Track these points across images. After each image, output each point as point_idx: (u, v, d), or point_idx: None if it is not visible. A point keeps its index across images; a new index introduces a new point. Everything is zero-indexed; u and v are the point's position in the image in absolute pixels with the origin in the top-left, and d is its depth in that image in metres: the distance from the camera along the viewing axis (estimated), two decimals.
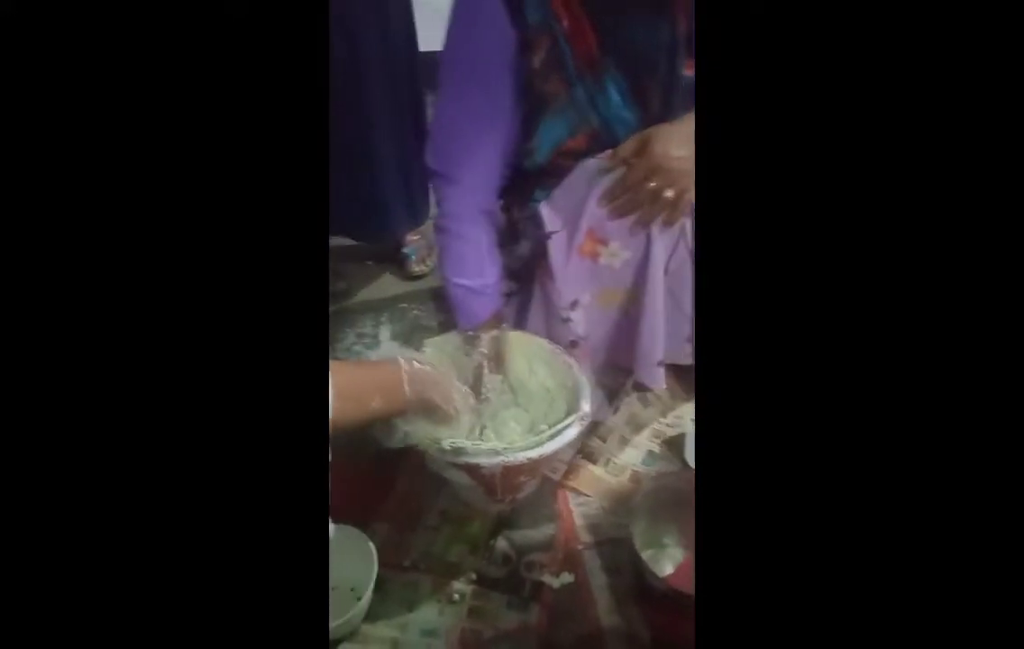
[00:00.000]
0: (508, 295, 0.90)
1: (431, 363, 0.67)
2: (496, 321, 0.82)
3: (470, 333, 0.80)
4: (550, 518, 0.78)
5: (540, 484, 0.78)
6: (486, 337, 0.79)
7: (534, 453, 0.64)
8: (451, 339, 0.81)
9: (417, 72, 1.23)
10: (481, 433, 0.74)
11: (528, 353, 0.81)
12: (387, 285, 1.38)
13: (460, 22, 0.79)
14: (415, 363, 0.63)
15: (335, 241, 1.36)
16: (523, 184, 0.87)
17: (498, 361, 0.80)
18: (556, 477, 0.83)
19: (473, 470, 0.65)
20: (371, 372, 0.63)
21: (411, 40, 1.21)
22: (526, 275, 0.90)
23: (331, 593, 0.68)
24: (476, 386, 0.76)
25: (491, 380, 0.77)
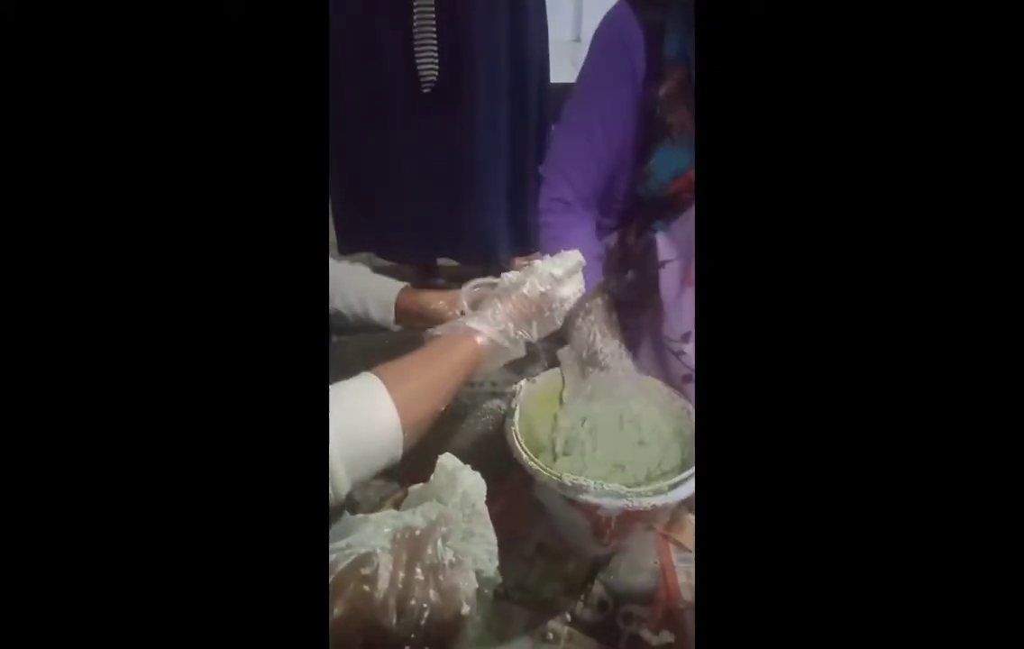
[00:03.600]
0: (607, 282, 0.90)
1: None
2: (598, 291, 0.82)
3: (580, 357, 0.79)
4: (652, 570, 0.74)
5: (644, 532, 0.74)
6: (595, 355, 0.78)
7: (659, 500, 0.61)
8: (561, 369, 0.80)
9: (545, 102, 1.24)
10: (583, 458, 0.72)
11: (641, 392, 0.78)
12: None
13: (598, 50, 0.83)
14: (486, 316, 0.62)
15: (444, 262, 1.39)
16: (640, 212, 0.86)
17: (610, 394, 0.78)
18: (657, 527, 0.78)
19: (589, 510, 0.63)
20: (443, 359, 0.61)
21: (544, 71, 1.22)
22: (637, 306, 0.88)
23: None
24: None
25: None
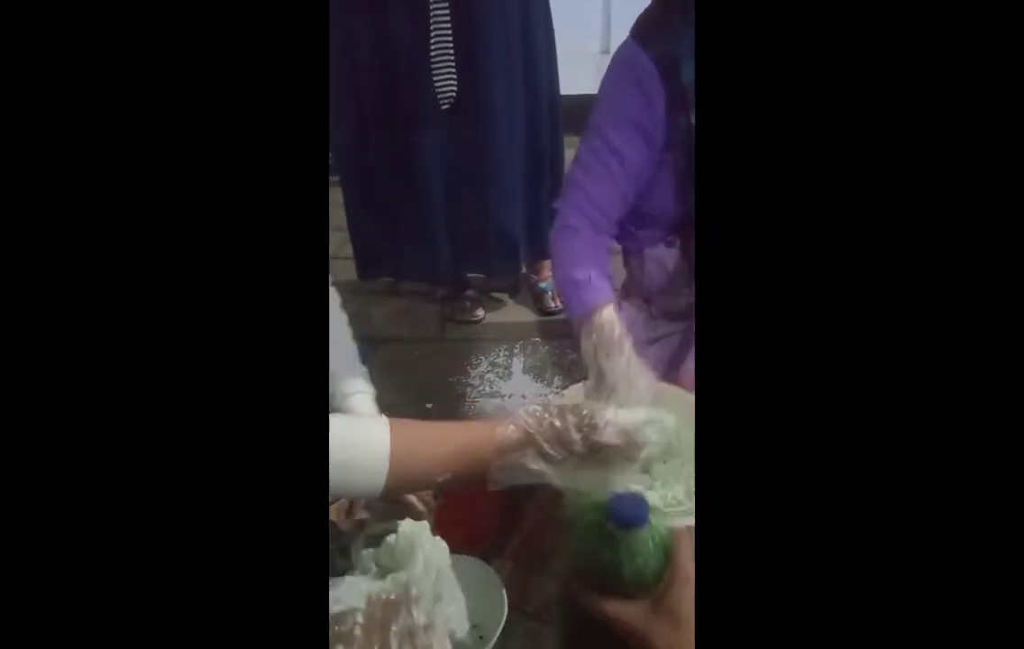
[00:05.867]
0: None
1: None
2: (605, 304, 0.81)
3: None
4: None
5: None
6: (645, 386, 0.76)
7: (691, 521, 0.58)
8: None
9: (557, 114, 1.25)
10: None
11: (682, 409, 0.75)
12: (522, 319, 1.39)
13: (609, 80, 0.85)
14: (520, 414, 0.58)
15: (471, 275, 1.40)
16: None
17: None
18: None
19: None
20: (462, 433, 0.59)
21: (552, 84, 1.23)
22: (685, 315, 0.89)
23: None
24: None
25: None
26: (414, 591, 0.49)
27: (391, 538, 0.56)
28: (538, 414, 0.59)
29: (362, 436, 0.54)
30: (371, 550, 0.58)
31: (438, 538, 0.55)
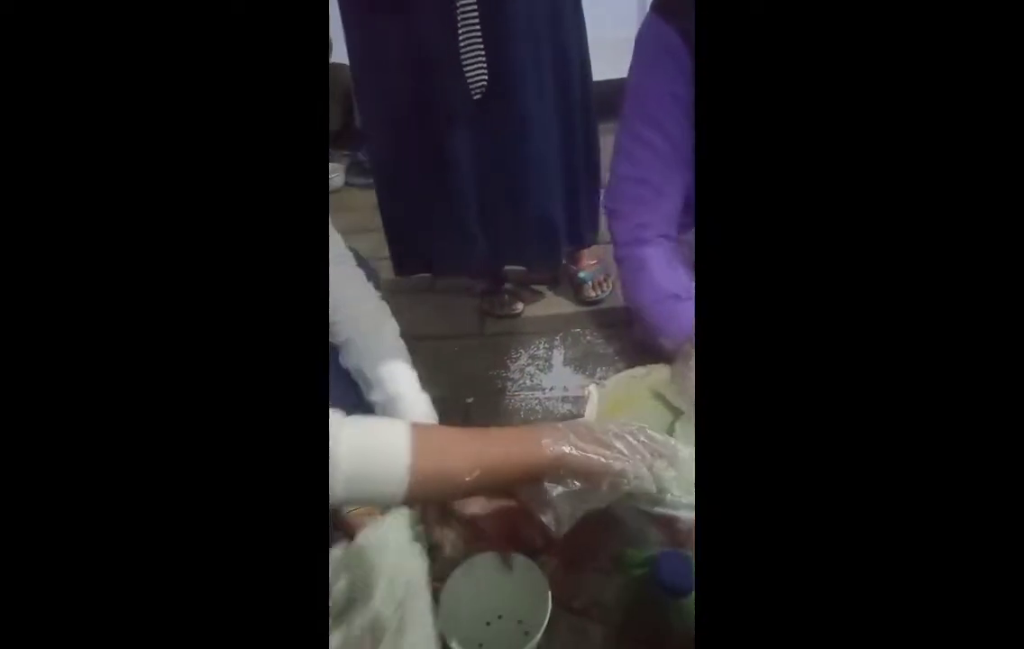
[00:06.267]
0: None
1: (586, 423, 0.60)
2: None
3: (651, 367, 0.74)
4: None
5: None
6: (679, 371, 0.72)
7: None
8: (637, 374, 0.76)
9: (589, 100, 1.22)
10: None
11: None
12: (562, 311, 1.37)
13: (639, 61, 0.82)
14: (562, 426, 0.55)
15: (509, 268, 1.38)
16: None
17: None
18: None
19: (667, 523, 0.58)
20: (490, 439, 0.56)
21: (585, 69, 1.20)
22: None
23: (497, 622, 0.66)
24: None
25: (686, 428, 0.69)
26: (377, 634, 0.48)
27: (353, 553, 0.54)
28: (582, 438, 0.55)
29: (381, 444, 0.52)
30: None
31: (413, 543, 0.53)
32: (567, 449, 0.54)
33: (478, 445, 0.55)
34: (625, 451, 0.55)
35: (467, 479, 0.54)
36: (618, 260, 0.86)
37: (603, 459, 0.54)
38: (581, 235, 1.30)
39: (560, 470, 0.55)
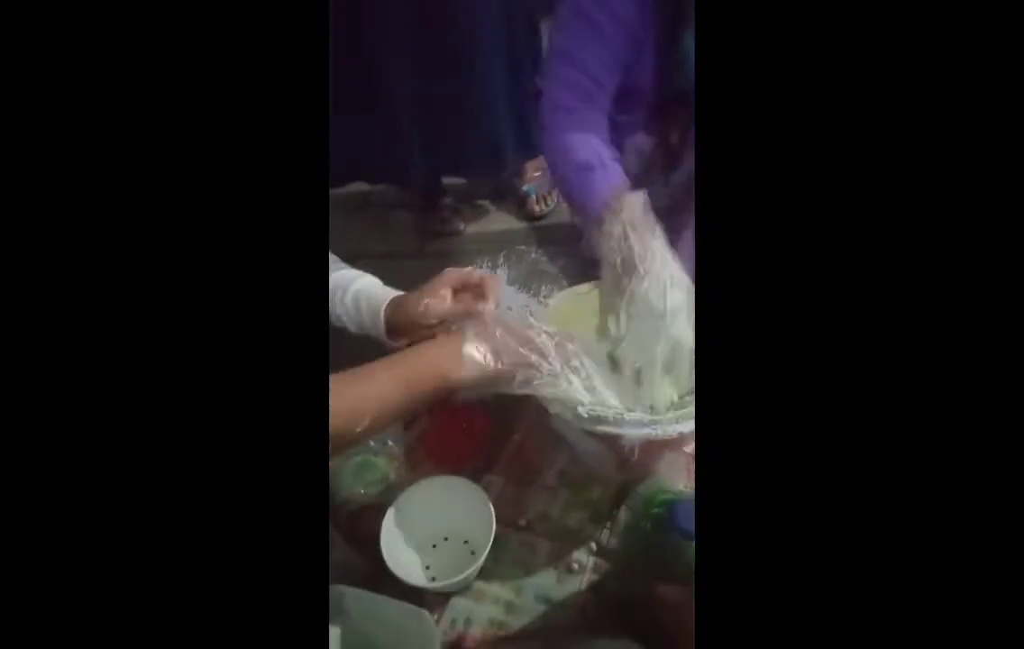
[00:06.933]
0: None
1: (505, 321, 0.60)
2: (625, 188, 0.71)
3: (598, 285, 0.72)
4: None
5: (673, 455, 0.70)
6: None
7: (686, 428, 0.56)
8: (580, 290, 0.73)
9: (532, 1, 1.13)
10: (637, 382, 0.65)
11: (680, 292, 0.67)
12: (506, 226, 1.33)
13: None
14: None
15: (449, 180, 1.32)
16: (682, 107, 0.77)
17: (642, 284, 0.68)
18: (689, 450, 0.74)
19: (611, 441, 0.58)
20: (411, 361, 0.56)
21: None
22: (686, 212, 0.81)
23: (443, 544, 0.66)
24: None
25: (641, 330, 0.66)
26: None
27: None
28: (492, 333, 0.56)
29: None
30: None
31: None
32: (487, 357, 0.55)
33: (392, 383, 0.54)
34: (549, 352, 0.56)
35: (399, 417, 0.55)
36: (542, 126, 0.80)
37: (522, 356, 0.56)
38: (528, 144, 1.23)
39: (479, 384, 0.56)
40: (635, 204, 0.68)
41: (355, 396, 0.51)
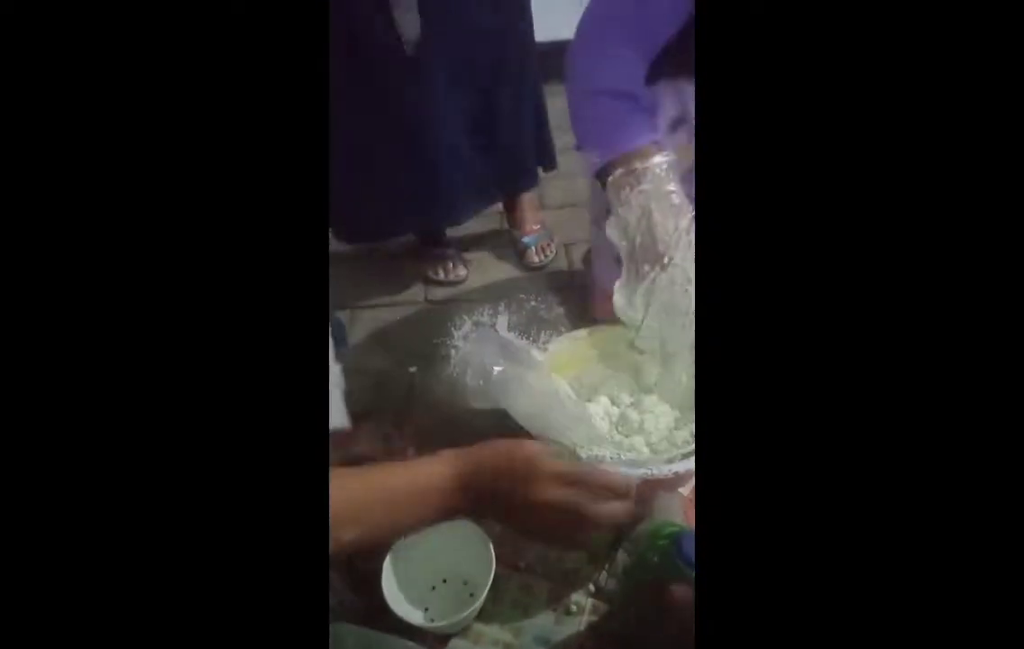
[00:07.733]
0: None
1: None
2: (651, 150, 0.59)
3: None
4: None
5: (668, 496, 0.71)
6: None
7: (681, 467, 0.57)
8: (578, 336, 0.76)
9: (530, 48, 1.21)
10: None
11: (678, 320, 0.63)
12: (507, 275, 1.36)
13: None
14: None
15: (452, 231, 1.36)
16: None
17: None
18: (685, 492, 0.75)
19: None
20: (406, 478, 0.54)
21: (527, 18, 1.19)
22: None
23: (443, 586, 0.66)
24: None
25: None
26: None
27: None
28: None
29: None
30: None
31: None
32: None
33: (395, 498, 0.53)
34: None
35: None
36: (578, 35, 0.65)
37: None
38: (520, 181, 1.30)
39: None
40: (661, 174, 0.58)
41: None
